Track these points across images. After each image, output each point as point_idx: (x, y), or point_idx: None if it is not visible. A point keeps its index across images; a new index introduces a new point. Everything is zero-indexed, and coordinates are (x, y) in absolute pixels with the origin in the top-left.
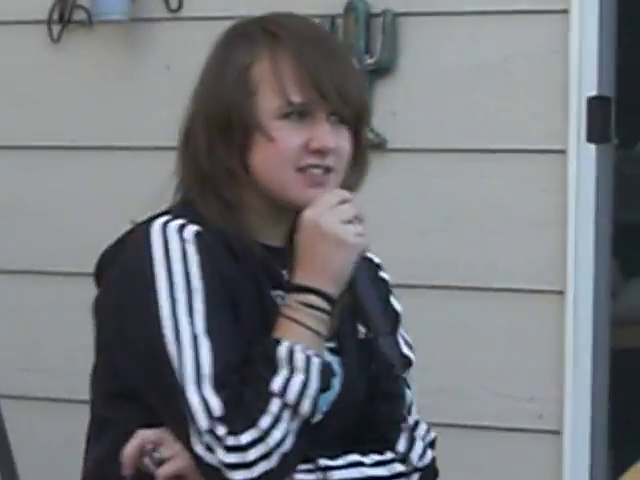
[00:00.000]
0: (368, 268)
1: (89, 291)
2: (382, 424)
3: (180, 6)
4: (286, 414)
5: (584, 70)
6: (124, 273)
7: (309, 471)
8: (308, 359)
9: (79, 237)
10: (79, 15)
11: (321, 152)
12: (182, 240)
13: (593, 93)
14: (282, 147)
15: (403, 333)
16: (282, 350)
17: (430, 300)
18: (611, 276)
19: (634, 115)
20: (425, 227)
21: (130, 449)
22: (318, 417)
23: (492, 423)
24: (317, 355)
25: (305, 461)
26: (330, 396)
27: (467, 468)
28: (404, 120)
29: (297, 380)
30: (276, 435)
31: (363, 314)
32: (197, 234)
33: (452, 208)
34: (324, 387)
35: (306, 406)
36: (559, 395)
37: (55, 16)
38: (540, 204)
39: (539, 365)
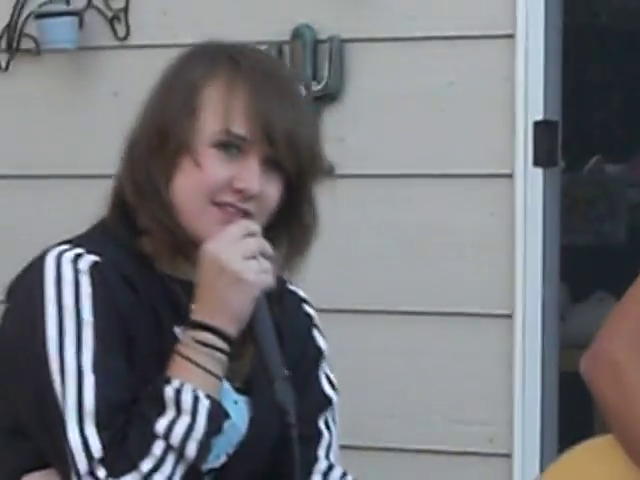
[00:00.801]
0: (288, 300)
1: None
2: (293, 469)
3: (127, 34)
4: (170, 457)
5: (530, 94)
6: (17, 304)
7: None
8: (196, 400)
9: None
10: (27, 44)
11: (243, 193)
12: (76, 271)
13: (539, 117)
14: (206, 176)
15: (326, 371)
16: (169, 390)
17: (380, 325)
18: (559, 299)
19: (580, 138)
20: (375, 252)
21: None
22: (215, 462)
23: (443, 447)
24: (208, 396)
25: None
26: (235, 438)
27: None
28: (352, 146)
29: (182, 422)
30: (158, 479)
31: (259, 356)
32: (94, 264)
33: (401, 233)
34: (214, 430)
35: (192, 450)
36: (509, 418)
37: (3, 45)
38: (488, 228)
39: (489, 389)
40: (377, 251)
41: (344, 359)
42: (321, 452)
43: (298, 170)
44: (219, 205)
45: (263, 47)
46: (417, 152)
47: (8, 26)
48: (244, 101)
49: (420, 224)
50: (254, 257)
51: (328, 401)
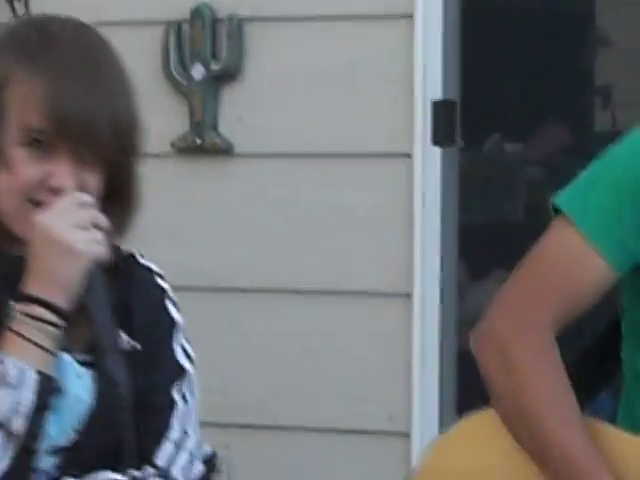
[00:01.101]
0: (139, 273)
1: None
2: (142, 437)
3: (27, 14)
4: None
5: (428, 74)
6: None
7: None
8: (22, 374)
9: None
10: None
11: (58, 191)
12: None
13: (438, 97)
14: (19, 178)
15: (182, 342)
16: None
17: (279, 304)
18: (458, 278)
19: (479, 118)
20: (274, 232)
21: None
22: (51, 439)
23: (342, 426)
24: (37, 371)
25: None
26: (81, 412)
27: (318, 470)
28: (250, 125)
29: (8, 397)
30: None
31: (92, 328)
32: None
33: (300, 212)
34: (43, 405)
35: (19, 425)
36: (407, 397)
37: None
38: (387, 207)
39: (387, 367)
40: (276, 230)
41: (244, 339)
42: (175, 421)
43: (109, 151)
44: (38, 204)
45: (162, 26)
46: (316, 132)
47: None
48: (42, 93)
49: (319, 203)
50: (86, 228)
51: (183, 371)
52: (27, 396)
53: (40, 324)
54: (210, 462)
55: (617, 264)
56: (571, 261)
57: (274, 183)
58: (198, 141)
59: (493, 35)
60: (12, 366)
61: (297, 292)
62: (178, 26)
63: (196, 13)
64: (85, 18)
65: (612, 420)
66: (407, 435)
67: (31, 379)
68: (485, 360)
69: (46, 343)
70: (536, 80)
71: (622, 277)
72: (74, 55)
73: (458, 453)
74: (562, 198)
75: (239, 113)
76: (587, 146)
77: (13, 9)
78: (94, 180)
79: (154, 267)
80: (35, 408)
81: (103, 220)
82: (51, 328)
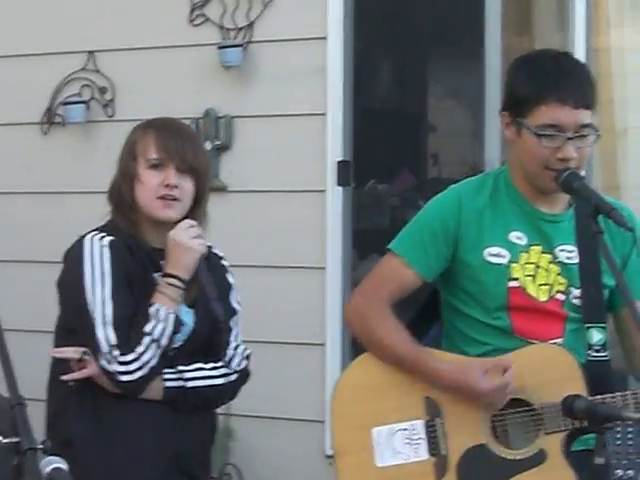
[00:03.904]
0: (213, 258)
1: None
2: (217, 346)
3: (113, 114)
4: (152, 345)
5: (335, 149)
6: (70, 264)
7: (172, 374)
8: (167, 315)
9: None
10: (58, 119)
11: (170, 187)
12: (101, 245)
13: (340, 159)
14: (148, 185)
15: (235, 295)
16: (152, 309)
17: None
18: (351, 253)
19: (362, 171)
20: (253, 235)
21: (68, 348)
22: (176, 344)
23: (270, 339)
24: (173, 312)
25: (171, 368)
26: (187, 331)
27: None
28: (237, 175)
29: (160, 326)
30: (146, 356)
31: (201, 288)
32: (110, 241)
33: (262, 220)
34: (175, 331)
35: (164, 340)
36: (323, 326)
37: (45, 119)
38: (308, 219)
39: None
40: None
41: None
42: (232, 338)
43: (196, 174)
44: (161, 198)
45: (188, 120)
46: (275, 175)
47: (48, 109)
48: (154, 142)
49: (276, 215)
50: (196, 237)
51: (235, 311)
52: (169, 326)
53: (175, 288)
54: (248, 358)
55: (423, 274)
56: (395, 271)
57: (251, 207)
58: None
59: (372, 124)
60: (162, 310)
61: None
62: (197, 121)
63: (206, 113)
64: (148, 115)
65: (439, 347)
66: (323, 344)
67: (172, 317)
68: (351, 321)
69: (177, 297)
70: (393, 148)
71: (435, 277)
72: (173, 123)
73: (361, 374)
74: (392, 242)
75: (230, 168)
76: (424, 186)
77: (105, 111)
78: (188, 185)
79: (219, 253)
80: (171, 333)
81: (202, 233)
82: (179, 290)
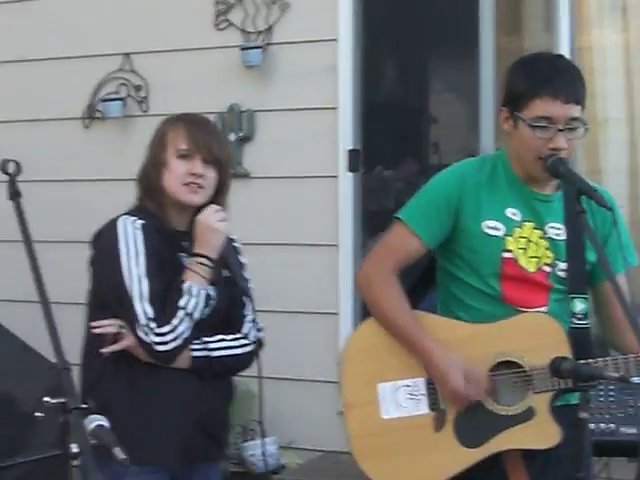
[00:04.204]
0: (230, 240)
1: None
2: (235, 319)
3: (147, 109)
4: (186, 318)
5: (345, 139)
6: (105, 244)
7: (198, 344)
8: (199, 291)
9: None
10: (98, 114)
11: (196, 175)
12: (134, 227)
13: (350, 147)
14: (176, 173)
15: (247, 273)
16: (186, 285)
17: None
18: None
19: (370, 158)
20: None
21: (104, 322)
22: (201, 318)
23: (291, 309)
24: (204, 289)
25: (196, 339)
26: (210, 306)
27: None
28: (258, 163)
29: (193, 301)
30: (180, 329)
31: (227, 264)
32: (142, 224)
33: (278, 204)
34: (207, 305)
35: (197, 314)
36: (336, 296)
37: (86, 114)
38: (323, 200)
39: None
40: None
41: None
42: (248, 311)
43: (216, 163)
44: (186, 184)
45: (214, 115)
46: (291, 163)
47: (89, 105)
48: (183, 134)
49: (289, 200)
50: (222, 220)
51: (248, 286)
52: (201, 302)
53: (204, 267)
54: (261, 330)
55: (427, 242)
56: (402, 239)
57: (271, 192)
58: (232, 171)
59: (379, 116)
60: (194, 286)
61: None
62: (222, 115)
63: (230, 108)
64: (176, 110)
65: (435, 310)
66: (336, 313)
67: (203, 293)
68: (360, 286)
69: (207, 275)
70: (398, 138)
71: (436, 245)
72: (199, 118)
73: (368, 335)
74: (400, 211)
75: (253, 157)
76: (426, 172)
77: (140, 107)
78: (212, 174)
79: (232, 236)
80: (203, 307)
81: (226, 217)
82: (209, 269)
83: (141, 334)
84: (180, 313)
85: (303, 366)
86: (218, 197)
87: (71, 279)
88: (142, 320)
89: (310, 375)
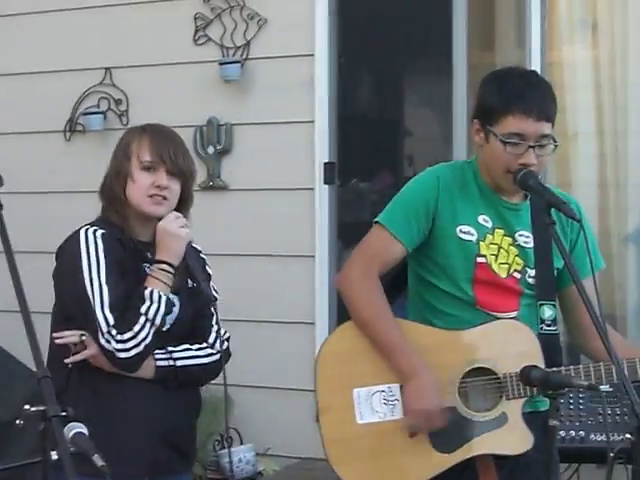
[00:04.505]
0: (192, 252)
1: None
2: (201, 329)
3: (127, 122)
4: (147, 324)
5: (321, 152)
6: (67, 255)
7: (162, 354)
8: (160, 296)
9: None
10: (79, 127)
11: (160, 188)
12: (94, 237)
13: (326, 160)
14: (140, 185)
15: (212, 284)
16: (147, 292)
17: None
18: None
19: (345, 170)
20: (252, 232)
21: (66, 332)
22: (165, 327)
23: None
24: (165, 295)
25: (161, 349)
26: (173, 316)
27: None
28: (236, 175)
29: (154, 307)
30: (142, 335)
31: (191, 272)
32: (102, 234)
33: (257, 213)
34: (168, 311)
35: (157, 320)
36: (312, 306)
37: (67, 128)
38: (299, 211)
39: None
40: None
41: None
42: (214, 321)
43: (183, 176)
44: (150, 196)
45: (193, 128)
46: (268, 175)
47: (70, 119)
48: (147, 145)
49: (268, 208)
50: (183, 226)
51: (214, 297)
52: (162, 307)
53: (165, 273)
54: (228, 340)
55: (407, 246)
56: (383, 244)
57: (249, 204)
58: (211, 183)
59: (354, 129)
60: (155, 292)
61: None
62: (201, 128)
63: (209, 121)
64: (148, 120)
65: (405, 316)
66: (313, 323)
67: (164, 299)
68: (343, 290)
69: (168, 282)
70: (373, 150)
71: (414, 249)
72: (163, 129)
73: (343, 340)
74: (380, 215)
75: (231, 169)
76: (401, 184)
77: (121, 121)
78: (176, 187)
79: (198, 247)
80: (164, 313)
81: (188, 223)
82: (170, 275)
83: (103, 342)
84: (141, 319)
85: (280, 375)
86: (181, 208)
87: (51, 289)
88: (103, 328)
89: (287, 384)
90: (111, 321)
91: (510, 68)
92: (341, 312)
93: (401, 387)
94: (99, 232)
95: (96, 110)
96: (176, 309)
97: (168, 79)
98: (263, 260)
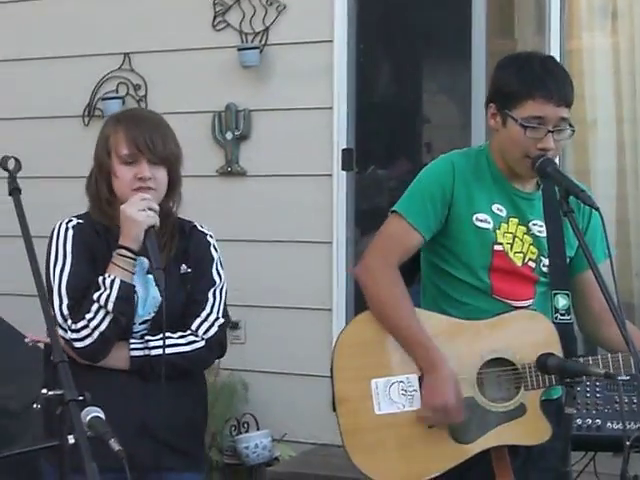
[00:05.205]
0: (196, 234)
1: None
2: (189, 316)
3: (146, 107)
4: (100, 312)
5: (339, 138)
6: (46, 248)
7: (139, 344)
8: (112, 282)
9: None
10: (97, 112)
11: (143, 179)
12: (66, 228)
13: (344, 146)
14: (123, 180)
15: (218, 267)
16: (100, 278)
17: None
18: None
19: (363, 157)
20: (269, 216)
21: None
22: (145, 318)
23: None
24: (120, 280)
25: (139, 339)
26: (154, 304)
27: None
28: (254, 161)
29: (105, 294)
30: (94, 323)
31: (148, 258)
32: (76, 224)
33: (276, 201)
34: (123, 297)
35: (110, 307)
36: (330, 292)
37: (87, 112)
38: (320, 196)
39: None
40: (269, 216)
41: None
42: (207, 307)
43: (167, 162)
44: (135, 190)
45: (211, 114)
46: (289, 161)
47: (89, 104)
48: (124, 137)
49: (286, 195)
50: (143, 210)
51: (214, 282)
52: (114, 293)
53: (124, 258)
54: (223, 327)
55: (425, 235)
56: (401, 233)
57: (267, 190)
58: (229, 169)
59: (373, 116)
60: (108, 278)
61: None
62: (219, 114)
63: (227, 107)
64: (165, 109)
65: (418, 305)
66: (330, 309)
67: (116, 284)
68: (363, 281)
69: (128, 267)
70: (391, 137)
71: (431, 237)
72: (142, 114)
73: (361, 330)
74: (396, 205)
75: (249, 155)
76: (418, 171)
77: (139, 106)
78: (162, 175)
79: (205, 230)
80: (118, 299)
81: (155, 206)
82: (130, 260)
83: (62, 332)
84: (93, 307)
85: (297, 361)
86: (170, 195)
87: None
88: (59, 318)
89: (304, 370)
90: (65, 311)
91: (527, 53)
92: (358, 298)
93: (419, 378)
94: (72, 223)
95: (115, 95)
96: (158, 296)
97: (187, 65)
98: (281, 246)
